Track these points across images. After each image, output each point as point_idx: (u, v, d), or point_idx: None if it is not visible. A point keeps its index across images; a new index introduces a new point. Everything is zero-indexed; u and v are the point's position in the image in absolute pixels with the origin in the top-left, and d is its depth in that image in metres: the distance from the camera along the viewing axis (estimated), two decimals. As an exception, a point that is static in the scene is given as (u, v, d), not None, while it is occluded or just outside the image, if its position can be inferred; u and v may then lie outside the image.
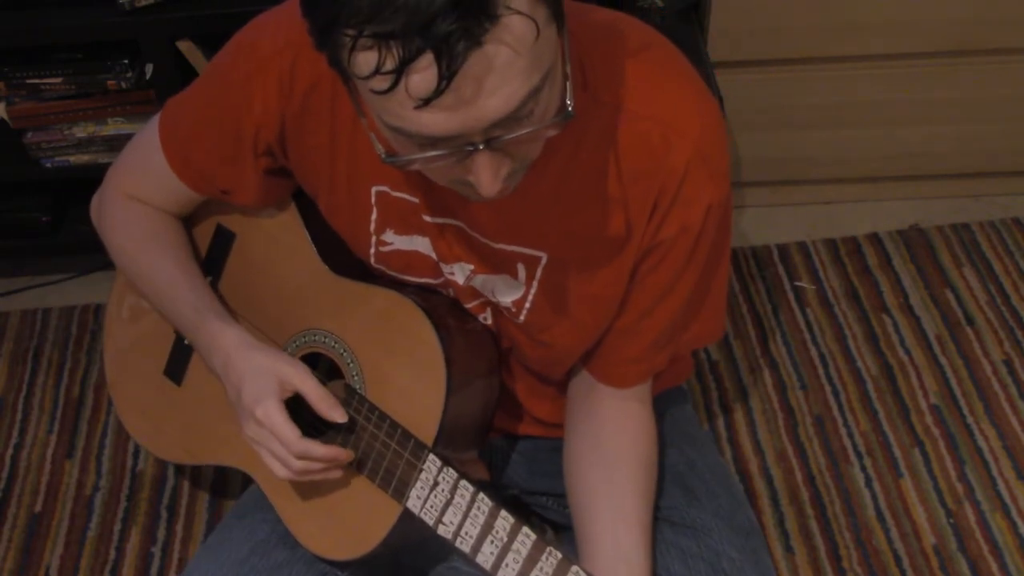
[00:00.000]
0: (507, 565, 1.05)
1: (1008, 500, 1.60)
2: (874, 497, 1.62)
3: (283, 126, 1.06)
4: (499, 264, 1.07)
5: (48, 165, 1.82)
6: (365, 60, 0.73)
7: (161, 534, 1.65)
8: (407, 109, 0.75)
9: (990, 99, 1.95)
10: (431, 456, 1.08)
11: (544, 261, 1.05)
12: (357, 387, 1.13)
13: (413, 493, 1.09)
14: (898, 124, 1.99)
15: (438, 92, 0.73)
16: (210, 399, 1.26)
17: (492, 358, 1.17)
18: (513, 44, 0.74)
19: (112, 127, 1.78)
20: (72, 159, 1.82)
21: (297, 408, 1.09)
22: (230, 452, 1.24)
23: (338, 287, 1.17)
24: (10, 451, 1.78)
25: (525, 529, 1.05)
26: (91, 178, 1.37)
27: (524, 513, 1.36)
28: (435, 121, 0.76)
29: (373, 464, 1.11)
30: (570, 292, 1.06)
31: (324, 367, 1.21)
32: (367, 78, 0.74)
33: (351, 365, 1.14)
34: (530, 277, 1.07)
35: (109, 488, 1.71)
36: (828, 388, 1.77)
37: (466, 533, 1.07)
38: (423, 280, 1.14)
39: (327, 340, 1.17)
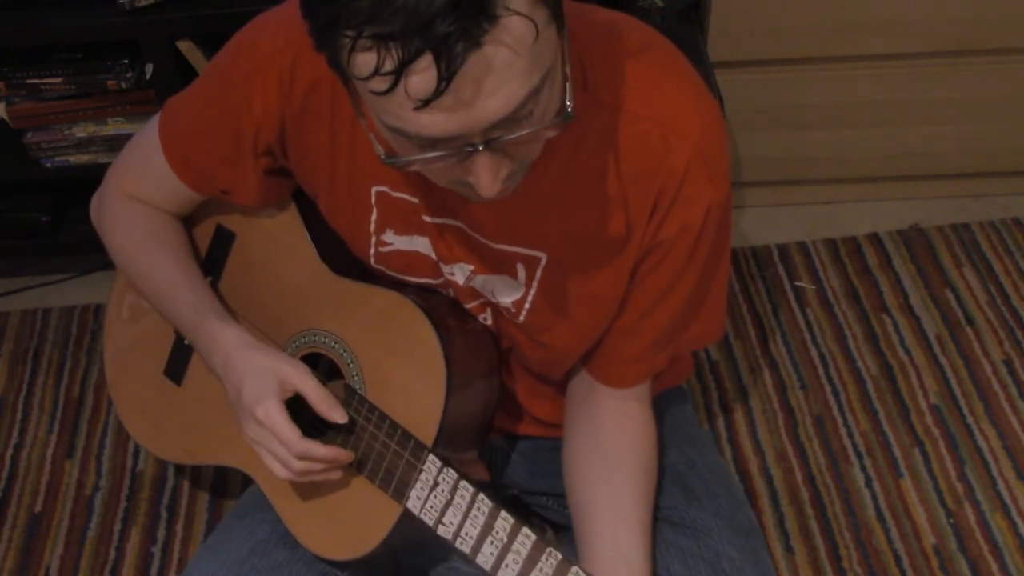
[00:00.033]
0: (507, 566, 1.05)
1: (1008, 500, 1.60)
2: (874, 497, 1.62)
3: (283, 126, 1.06)
4: (499, 265, 1.07)
5: (48, 165, 1.82)
6: (364, 61, 0.73)
7: (161, 534, 1.65)
8: (406, 110, 0.75)
9: (990, 99, 1.95)
10: (431, 456, 1.08)
11: (544, 262, 1.05)
12: (357, 387, 1.13)
13: (413, 493, 1.09)
14: (898, 124, 1.99)
15: (437, 93, 0.73)
16: (210, 399, 1.26)
17: (492, 358, 1.17)
18: (512, 45, 0.74)
19: (112, 127, 1.78)
20: (72, 159, 1.82)
21: (297, 408, 1.09)
22: (230, 452, 1.24)
23: (338, 287, 1.17)
24: (10, 451, 1.78)
25: (525, 530, 1.05)
26: (91, 178, 1.37)
27: (524, 513, 1.36)
28: (434, 122, 0.76)
29: (373, 464, 1.11)
30: (570, 293, 1.06)
31: (324, 367, 1.21)
32: (366, 79, 0.74)
33: (351, 365, 1.14)
34: (530, 278, 1.07)
35: (109, 488, 1.71)
36: (828, 388, 1.77)
37: (466, 534, 1.07)
38: (423, 280, 1.14)
39: (327, 340, 1.17)
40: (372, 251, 1.13)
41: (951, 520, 1.59)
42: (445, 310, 1.13)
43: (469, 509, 1.07)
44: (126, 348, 1.40)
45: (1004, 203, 2.09)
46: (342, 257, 1.18)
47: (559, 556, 1.03)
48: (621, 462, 1.14)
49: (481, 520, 1.06)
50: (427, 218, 1.07)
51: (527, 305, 1.09)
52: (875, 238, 2.03)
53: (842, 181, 2.09)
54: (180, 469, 1.72)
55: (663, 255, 1.03)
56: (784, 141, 2.02)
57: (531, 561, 1.04)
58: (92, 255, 1.91)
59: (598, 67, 0.96)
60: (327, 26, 0.74)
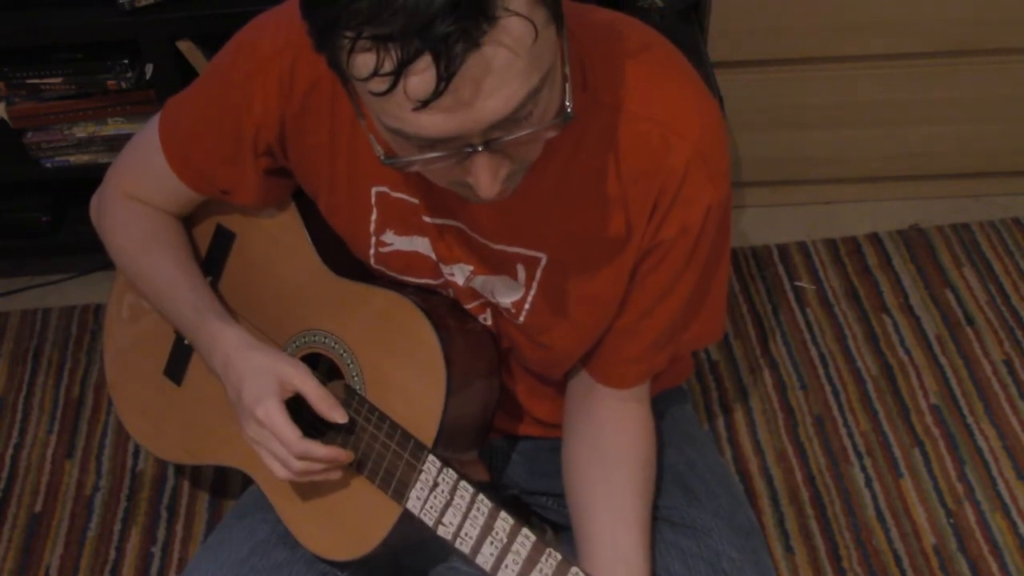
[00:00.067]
0: (507, 566, 1.05)
1: (1008, 500, 1.60)
2: (874, 497, 1.62)
3: (283, 126, 1.06)
4: (499, 265, 1.07)
5: (48, 165, 1.82)
6: (364, 62, 0.73)
7: (161, 534, 1.65)
8: (405, 111, 0.75)
9: (990, 99, 1.95)
10: (431, 457, 1.08)
11: (544, 262, 1.05)
12: (357, 388, 1.13)
13: (413, 494, 1.09)
14: (898, 124, 1.99)
15: (436, 94, 0.73)
16: (210, 399, 1.26)
17: (492, 359, 1.17)
18: (511, 46, 0.74)
19: (112, 127, 1.78)
20: (72, 159, 1.82)
21: (297, 408, 1.09)
22: (230, 452, 1.24)
23: (338, 287, 1.17)
24: (10, 451, 1.78)
25: (525, 530, 1.05)
26: (91, 178, 1.37)
27: (524, 513, 1.36)
28: (433, 123, 0.76)
29: (373, 465, 1.11)
30: (570, 293, 1.06)
31: (324, 367, 1.21)
32: (366, 80, 0.74)
33: (351, 366, 1.14)
34: (530, 278, 1.07)
35: (109, 488, 1.71)
36: (828, 388, 1.77)
37: (466, 534, 1.07)
38: (423, 281, 1.14)
39: (327, 340, 1.17)
40: (372, 251, 1.13)
41: (951, 520, 1.59)
42: (445, 310, 1.13)
43: (469, 509, 1.07)
44: (126, 348, 1.40)
45: (1004, 203, 2.09)
46: (342, 257, 1.18)
47: (559, 557, 1.03)
48: (621, 462, 1.14)
49: (481, 520, 1.06)
50: (427, 218, 1.07)
51: (527, 306, 1.09)
52: (875, 238, 2.03)
53: (842, 181, 2.09)
54: (180, 469, 1.72)
55: (663, 255, 1.03)
56: (784, 141, 2.02)
57: (531, 562, 1.04)
58: (92, 255, 1.91)
59: (598, 67, 0.96)
60: (326, 27, 0.74)
